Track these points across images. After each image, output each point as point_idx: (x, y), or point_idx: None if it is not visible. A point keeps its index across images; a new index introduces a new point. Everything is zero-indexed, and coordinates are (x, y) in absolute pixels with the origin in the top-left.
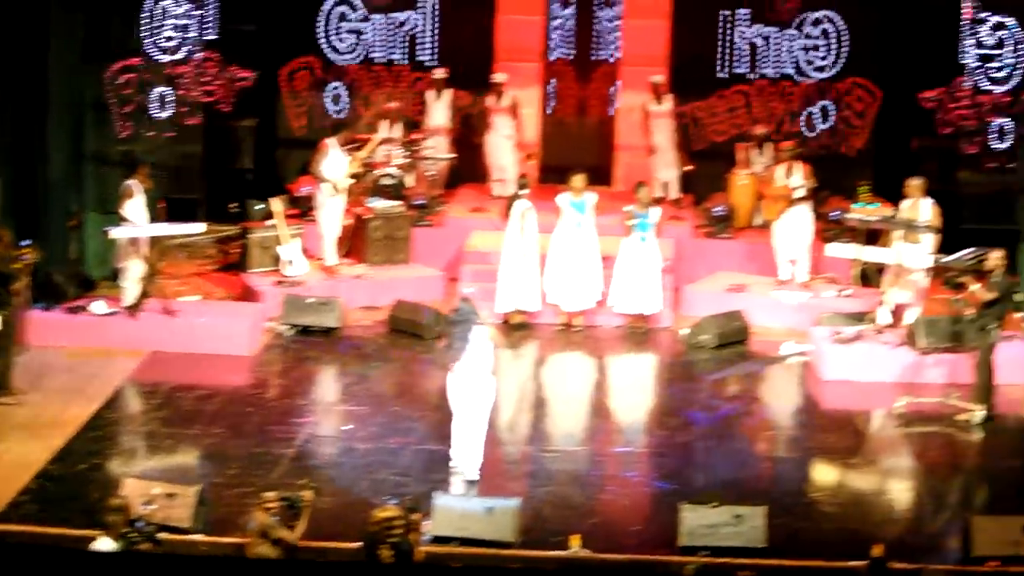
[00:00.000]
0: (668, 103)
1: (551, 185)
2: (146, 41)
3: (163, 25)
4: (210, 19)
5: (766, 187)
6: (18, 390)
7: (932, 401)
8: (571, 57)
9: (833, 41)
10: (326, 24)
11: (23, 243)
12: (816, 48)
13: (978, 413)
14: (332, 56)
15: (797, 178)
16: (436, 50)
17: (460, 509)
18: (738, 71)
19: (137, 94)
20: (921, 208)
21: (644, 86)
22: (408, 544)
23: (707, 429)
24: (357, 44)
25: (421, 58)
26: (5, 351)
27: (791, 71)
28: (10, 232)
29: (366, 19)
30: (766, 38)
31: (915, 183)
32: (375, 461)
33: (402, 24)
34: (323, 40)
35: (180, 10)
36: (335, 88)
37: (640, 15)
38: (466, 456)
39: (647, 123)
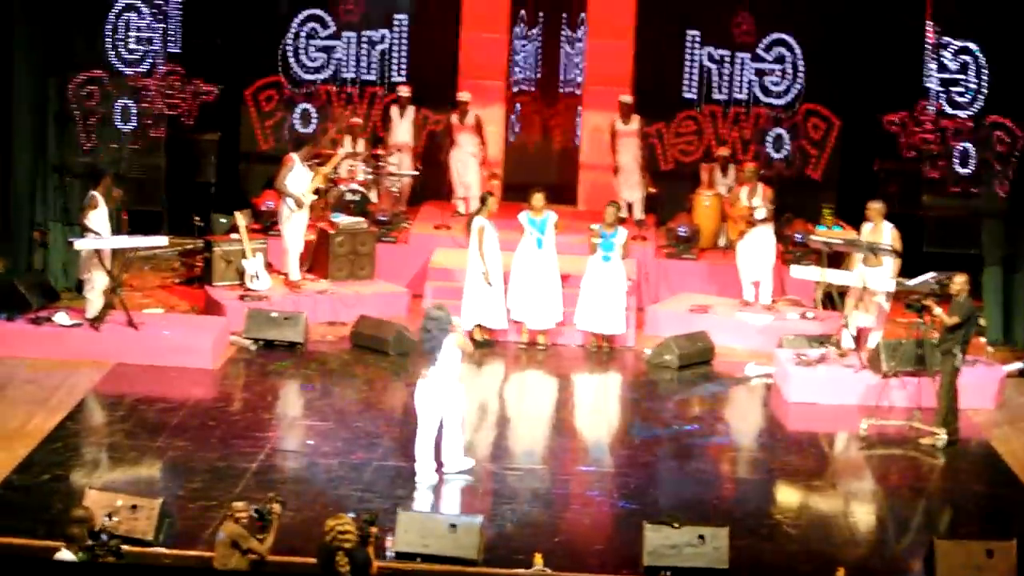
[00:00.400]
0: (635, 123)
1: (515, 203)
2: (110, 53)
3: (127, 37)
4: (174, 32)
5: (729, 208)
6: None
7: (895, 424)
8: (535, 87)
9: (789, 66)
10: (295, 40)
11: None
12: (772, 73)
13: (941, 437)
14: (300, 73)
15: (759, 199)
16: (406, 68)
17: (423, 526)
18: (695, 95)
19: (101, 106)
20: (882, 231)
21: (608, 107)
22: (364, 555)
23: (657, 444)
24: (327, 62)
25: (392, 77)
26: None
27: (748, 96)
28: None
29: (336, 36)
30: (721, 62)
31: (876, 206)
32: (338, 476)
33: (375, 43)
34: (292, 57)
35: (144, 23)
36: (304, 107)
37: (604, 36)
38: (451, 455)
39: (614, 142)
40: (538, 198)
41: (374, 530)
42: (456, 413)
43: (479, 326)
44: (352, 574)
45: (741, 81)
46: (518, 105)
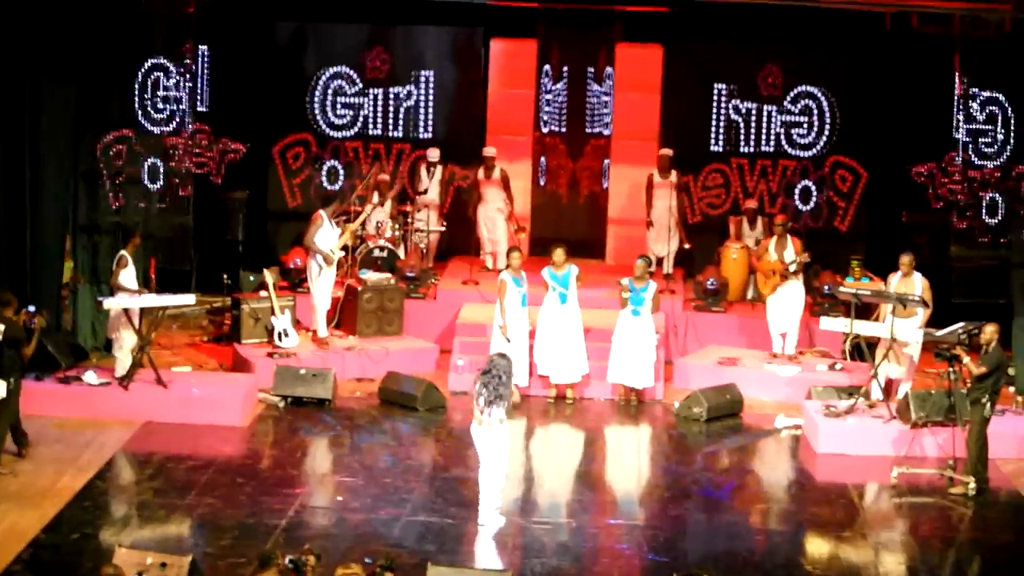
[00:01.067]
0: (672, 177)
1: (542, 258)
2: (138, 112)
3: (154, 97)
4: (202, 91)
5: (756, 261)
6: (8, 462)
7: (925, 474)
8: (563, 131)
9: (816, 118)
10: (323, 97)
11: (30, 308)
12: (800, 125)
13: (971, 486)
14: (327, 131)
15: (790, 253)
16: (431, 124)
17: None
18: (723, 148)
19: (128, 165)
20: (913, 283)
21: (637, 160)
22: None
23: (687, 497)
24: (353, 118)
25: (417, 134)
26: (11, 415)
27: (776, 147)
28: (15, 298)
29: (362, 93)
30: (750, 114)
31: (906, 259)
32: (368, 532)
33: (399, 99)
34: (318, 114)
35: (171, 82)
36: (330, 164)
37: (631, 89)
38: (487, 499)
39: (650, 195)
40: (559, 253)
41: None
42: (501, 462)
43: None
44: None
45: (768, 133)
46: (543, 159)
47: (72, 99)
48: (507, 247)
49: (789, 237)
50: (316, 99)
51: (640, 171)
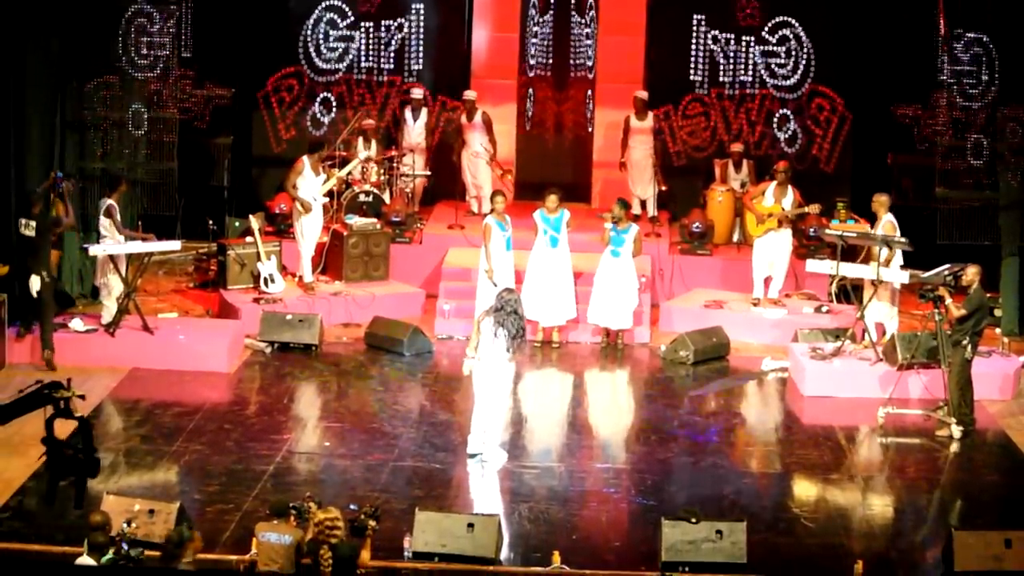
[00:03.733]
0: (649, 120)
1: (528, 202)
2: (122, 58)
3: (138, 42)
4: (186, 37)
5: (749, 200)
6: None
7: (911, 415)
8: (548, 71)
9: (795, 49)
10: (312, 35)
11: (59, 174)
12: (778, 56)
13: (956, 428)
14: (316, 67)
15: (789, 200)
16: (421, 62)
17: (440, 525)
18: (706, 83)
19: (113, 111)
20: (881, 224)
21: (619, 102)
22: (348, 548)
23: (673, 440)
24: (343, 55)
25: (410, 66)
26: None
27: (756, 80)
28: (39, 199)
29: (354, 27)
30: (730, 48)
31: (881, 199)
32: (355, 477)
33: (390, 35)
34: (302, 54)
35: (155, 28)
36: (321, 100)
37: (615, 32)
38: (490, 436)
39: (626, 138)
40: (552, 199)
41: (372, 523)
42: (505, 399)
43: None
44: (334, 568)
45: (747, 64)
46: (529, 103)
47: (55, 46)
48: (491, 191)
49: (790, 186)
50: (306, 36)
51: (625, 115)
